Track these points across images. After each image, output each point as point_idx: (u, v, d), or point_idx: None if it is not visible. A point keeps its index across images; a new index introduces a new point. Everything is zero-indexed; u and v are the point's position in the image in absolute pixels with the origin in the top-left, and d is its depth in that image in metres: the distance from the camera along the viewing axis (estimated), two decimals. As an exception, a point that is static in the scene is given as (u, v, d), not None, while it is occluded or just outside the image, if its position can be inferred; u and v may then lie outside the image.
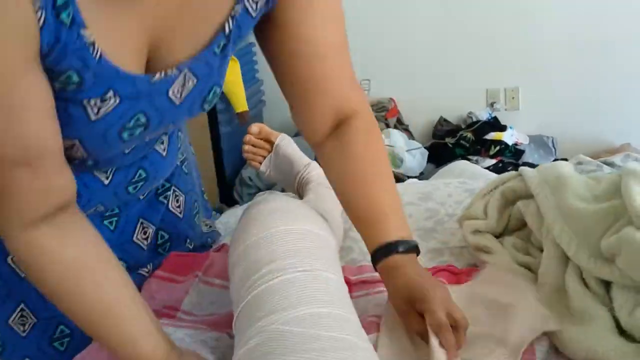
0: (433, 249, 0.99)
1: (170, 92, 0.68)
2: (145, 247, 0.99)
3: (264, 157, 1.14)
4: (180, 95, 0.70)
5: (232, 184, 2.66)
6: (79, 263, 0.64)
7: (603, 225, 0.73)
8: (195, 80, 0.70)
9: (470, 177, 1.34)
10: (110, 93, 0.62)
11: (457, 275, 0.91)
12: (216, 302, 0.93)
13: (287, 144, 1.13)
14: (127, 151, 0.78)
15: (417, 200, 1.15)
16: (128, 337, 0.66)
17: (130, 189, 0.87)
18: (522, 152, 2.75)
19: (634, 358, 0.59)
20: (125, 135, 0.68)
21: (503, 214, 0.92)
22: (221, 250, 1.04)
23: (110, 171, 0.83)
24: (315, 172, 1.12)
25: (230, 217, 1.26)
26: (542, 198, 0.83)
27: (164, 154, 0.92)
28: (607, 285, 0.72)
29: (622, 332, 0.65)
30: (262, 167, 1.14)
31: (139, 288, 0.96)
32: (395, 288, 0.73)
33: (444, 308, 0.67)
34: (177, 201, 1.03)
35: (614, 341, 0.62)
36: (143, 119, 0.68)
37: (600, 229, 0.73)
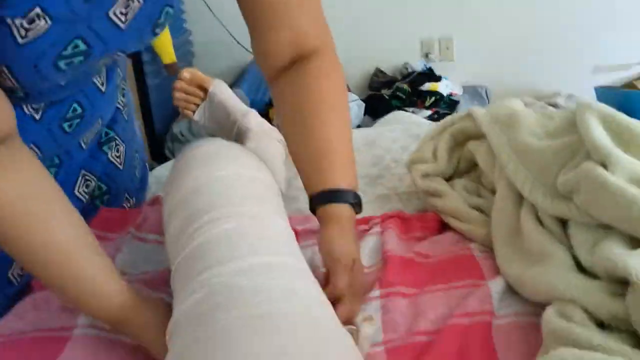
0: (381, 195, 0.95)
1: (111, 13, 0.60)
2: (85, 201, 0.91)
3: (198, 106, 1.05)
4: (126, 17, 0.62)
5: (162, 140, 2.53)
6: (23, 201, 0.57)
7: (559, 161, 0.70)
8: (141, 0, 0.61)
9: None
10: (38, 10, 0.54)
11: (407, 221, 0.88)
12: (152, 259, 0.85)
13: (222, 91, 1.05)
14: (63, 83, 0.69)
15: (362, 147, 1.10)
16: (86, 282, 0.61)
17: (66, 126, 0.78)
18: (456, 102, 2.76)
19: (597, 294, 0.57)
20: (62, 64, 0.60)
21: (452, 156, 0.89)
22: (155, 203, 0.96)
23: (42, 106, 0.74)
24: (254, 120, 1.04)
25: (164, 171, 1.17)
26: (494, 137, 0.79)
27: (103, 89, 0.83)
28: (563, 223, 0.70)
29: (581, 270, 0.63)
30: (196, 116, 1.06)
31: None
32: (321, 241, 0.69)
33: (344, 252, 0.66)
34: (118, 151, 0.94)
35: (575, 278, 0.60)
36: (82, 46, 0.60)
37: (556, 166, 0.70)
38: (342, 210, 0.71)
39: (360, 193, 0.74)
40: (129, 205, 1.00)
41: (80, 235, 0.62)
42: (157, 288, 0.78)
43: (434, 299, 0.72)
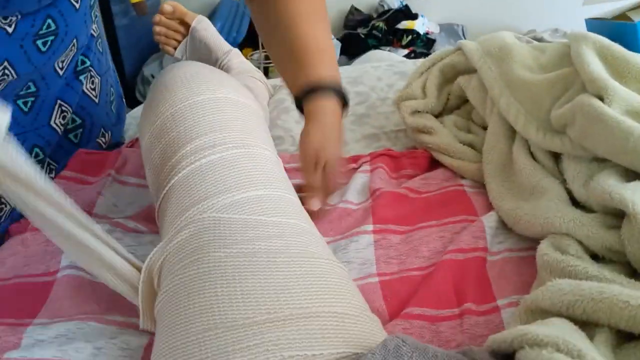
0: (368, 134, 0.93)
1: None
2: (60, 133, 0.87)
3: (179, 42, 1.00)
4: None
5: (133, 83, 2.45)
6: None
7: (552, 95, 0.69)
8: None
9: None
10: None
11: (396, 159, 0.87)
12: (135, 202, 0.83)
13: (205, 27, 0.99)
14: None
15: (345, 85, 1.07)
16: None
17: (40, 44, 0.74)
18: (433, 41, 2.72)
19: (591, 227, 0.57)
20: None
21: (442, 92, 0.87)
22: (135, 145, 0.93)
23: (14, 19, 0.69)
24: (237, 59, 1.00)
25: (140, 111, 1.12)
26: (485, 70, 0.77)
27: (77, 5, 0.78)
28: (556, 158, 0.69)
29: (574, 203, 0.63)
30: (177, 53, 1.01)
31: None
32: (300, 137, 0.69)
33: (316, 147, 0.65)
34: (93, 83, 0.90)
35: (571, 212, 0.60)
36: None
37: (549, 99, 0.69)
38: (325, 104, 0.69)
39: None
40: (104, 140, 0.96)
41: None
42: (145, 224, 0.76)
43: (428, 235, 0.71)
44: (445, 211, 0.75)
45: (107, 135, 0.97)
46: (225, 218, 0.51)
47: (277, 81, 1.20)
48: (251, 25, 2.50)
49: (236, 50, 1.01)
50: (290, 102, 1.06)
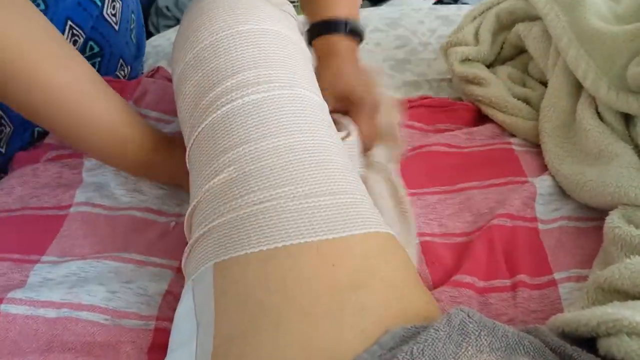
0: (409, 81, 0.85)
1: None
2: None
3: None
4: None
5: (146, 14, 2.34)
6: (19, 33, 0.51)
7: (631, 49, 0.61)
8: None
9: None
10: None
11: (435, 109, 0.79)
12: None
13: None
14: None
15: (384, 27, 0.99)
16: (100, 122, 0.56)
17: None
18: (463, -9, 2.59)
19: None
20: None
21: (496, 39, 0.79)
22: (156, 74, 0.85)
23: None
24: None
25: (163, 41, 1.04)
26: (552, 18, 0.69)
27: None
28: (627, 120, 0.62)
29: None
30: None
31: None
32: (328, 77, 0.64)
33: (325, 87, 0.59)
34: (114, 8, 0.81)
35: (647, 181, 0.53)
36: None
37: (625, 54, 0.61)
38: (342, 40, 0.66)
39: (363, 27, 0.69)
40: (122, 74, 0.89)
41: (91, 76, 0.57)
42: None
43: (470, 197, 0.65)
44: (490, 170, 0.68)
45: (126, 69, 0.89)
46: (268, 164, 0.45)
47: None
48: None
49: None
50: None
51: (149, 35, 2.36)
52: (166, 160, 0.62)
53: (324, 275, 0.39)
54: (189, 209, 0.48)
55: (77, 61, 0.56)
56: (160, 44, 1.01)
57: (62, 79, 0.54)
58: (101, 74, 0.82)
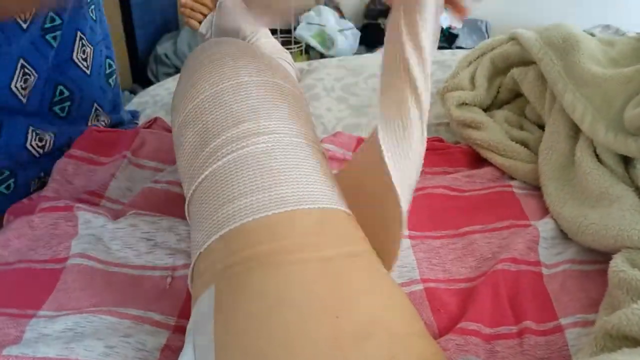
0: (406, 125, 0.86)
1: None
2: (24, 101, 0.77)
3: (204, 16, 0.93)
4: None
5: (145, 62, 2.38)
6: None
7: (627, 92, 0.62)
8: None
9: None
10: None
11: (435, 152, 0.79)
12: (152, 186, 0.76)
13: (233, 2, 0.92)
14: None
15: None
16: None
17: None
18: (455, 36, 2.64)
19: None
20: None
21: (492, 84, 0.80)
22: (154, 125, 0.85)
23: None
24: (265, 39, 0.93)
25: (162, 90, 1.05)
26: (547, 62, 0.70)
27: None
28: (626, 162, 0.62)
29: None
30: (202, 28, 0.93)
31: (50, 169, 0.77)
32: None
33: None
34: (84, 53, 0.82)
35: (650, 224, 0.53)
36: None
37: (622, 97, 0.62)
38: None
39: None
40: (104, 123, 0.88)
41: None
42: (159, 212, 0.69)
43: (472, 242, 0.65)
44: (492, 214, 0.68)
45: (105, 117, 0.89)
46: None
47: (304, 65, 1.13)
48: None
49: (266, 30, 0.94)
50: (320, 89, 1.00)
51: (149, 83, 2.40)
52: None
53: (328, 327, 0.39)
54: (191, 264, 0.47)
55: None
56: (158, 93, 1.02)
57: None
58: (74, 118, 0.81)
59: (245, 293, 0.41)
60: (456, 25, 2.67)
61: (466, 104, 0.78)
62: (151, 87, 1.09)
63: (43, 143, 0.78)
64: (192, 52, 0.60)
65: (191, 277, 0.48)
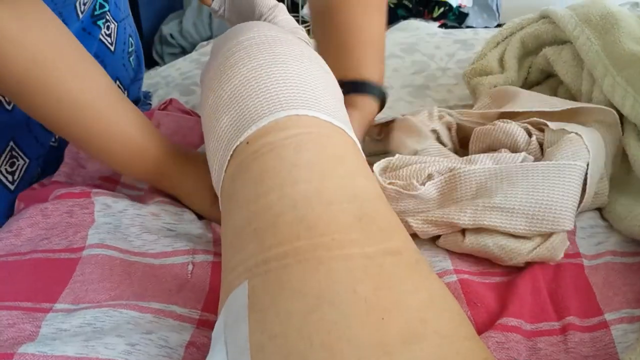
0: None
1: None
2: None
3: (218, -9, 0.89)
4: None
5: (150, 42, 2.33)
6: (46, 48, 0.53)
7: (672, 74, 0.58)
8: None
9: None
10: None
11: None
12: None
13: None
14: None
15: (399, 52, 0.97)
16: (118, 133, 0.60)
17: None
18: (465, 15, 2.58)
19: None
20: None
21: (522, 65, 0.76)
22: (168, 107, 0.82)
23: None
24: (282, 16, 0.89)
25: (173, 71, 1.02)
26: (584, 42, 0.66)
27: None
28: (671, 147, 0.59)
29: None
30: (215, 4, 0.89)
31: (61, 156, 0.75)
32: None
33: None
34: (108, 29, 0.79)
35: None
36: None
37: (667, 80, 0.59)
38: (366, 102, 0.65)
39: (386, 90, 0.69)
40: None
41: (111, 88, 0.60)
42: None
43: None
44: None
45: (124, 91, 0.86)
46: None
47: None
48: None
49: (282, 6, 0.90)
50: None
51: (154, 63, 2.36)
52: (172, 171, 0.64)
53: (374, 330, 0.36)
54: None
55: (102, 76, 0.59)
56: (170, 74, 0.98)
57: (89, 94, 0.57)
58: None
59: (283, 291, 0.38)
60: (466, 3, 2.61)
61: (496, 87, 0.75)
62: (161, 68, 1.05)
63: None
64: (223, 37, 0.57)
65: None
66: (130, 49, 0.87)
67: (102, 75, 0.59)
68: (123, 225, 0.62)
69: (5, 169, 0.72)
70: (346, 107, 0.62)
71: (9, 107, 0.71)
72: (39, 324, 0.52)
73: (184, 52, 2.24)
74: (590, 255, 0.57)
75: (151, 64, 2.27)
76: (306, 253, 0.39)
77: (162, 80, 0.98)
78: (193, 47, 2.21)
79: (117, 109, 0.60)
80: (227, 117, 0.48)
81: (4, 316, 0.52)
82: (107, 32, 0.80)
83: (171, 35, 2.25)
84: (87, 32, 0.76)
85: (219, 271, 0.56)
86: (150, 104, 0.93)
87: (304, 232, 0.40)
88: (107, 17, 0.79)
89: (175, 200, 0.67)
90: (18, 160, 0.75)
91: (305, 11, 2.35)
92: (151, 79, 1.04)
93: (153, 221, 0.63)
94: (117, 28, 0.82)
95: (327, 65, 0.57)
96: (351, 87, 0.64)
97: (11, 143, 0.76)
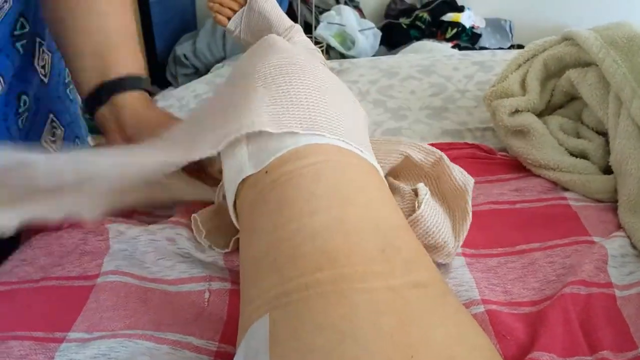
0: (449, 130, 0.81)
1: None
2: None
3: (234, 12, 0.88)
4: None
5: (164, 63, 2.34)
6: None
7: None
8: None
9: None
10: None
11: (474, 161, 0.74)
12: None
13: (264, -4, 0.87)
14: None
15: (416, 74, 0.95)
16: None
17: None
18: (478, 36, 2.58)
19: None
20: None
21: (545, 88, 0.74)
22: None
23: None
24: (299, 37, 0.88)
25: (187, 92, 1.01)
26: (610, 64, 0.65)
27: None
28: None
29: None
30: (231, 25, 0.89)
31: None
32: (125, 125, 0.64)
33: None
34: (43, 60, 0.77)
35: None
36: None
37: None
38: (136, 96, 0.66)
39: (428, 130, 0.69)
40: (54, 135, 0.82)
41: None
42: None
43: (533, 261, 0.60)
44: (549, 230, 0.63)
45: (59, 129, 0.81)
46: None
47: (335, 64, 1.08)
48: (289, 7, 2.39)
49: (298, 27, 0.90)
50: (355, 92, 0.95)
51: (167, 84, 2.37)
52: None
53: None
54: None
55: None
56: (184, 95, 0.98)
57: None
58: (27, 129, 0.75)
59: (305, 325, 0.37)
60: (479, 24, 2.61)
61: (519, 110, 0.73)
62: (176, 90, 1.05)
63: None
64: (242, 59, 0.56)
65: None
66: (67, 79, 0.83)
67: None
68: (138, 252, 0.61)
69: (49, 139, 0.71)
70: (117, 107, 0.64)
71: (46, 80, 0.70)
72: (52, 355, 0.50)
73: (198, 72, 2.25)
74: (622, 285, 0.55)
75: (165, 84, 2.28)
76: (328, 285, 0.38)
77: (176, 102, 0.97)
78: (206, 67, 2.22)
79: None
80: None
81: (15, 347, 0.50)
82: (42, 63, 0.76)
83: (185, 56, 2.26)
84: (4, 54, 0.69)
85: (237, 299, 0.55)
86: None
87: (325, 263, 0.39)
88: (43, 48, 0.75)
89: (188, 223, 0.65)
90: (57, 130, 0.75)
91: (318, 32, 2.35)
92: (166, 101, 1.03)
93: (168, 246, 0.62)
94: (52, 59, 0.78)
95: (346, 88, 0.56)
96: (120, 86, 0.64)
97: (51, 115, 0.76)
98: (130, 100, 0.65)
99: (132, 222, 0.64)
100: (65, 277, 0.58)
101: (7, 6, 0.64)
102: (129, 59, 0.66)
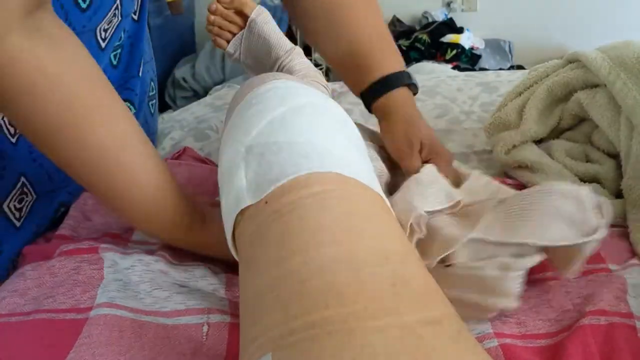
0: (455, 153, 0.79)
1: None
2: None
3: (234, 35, 0.87)
4: None
5: (163, 86, 2.33)
6: (81, 86, 0.48)
7: None
8: None
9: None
10: None
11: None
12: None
13: (265, 20, 0.86)
14: None
15: (420, 95, 0.93)
16: (137, 186, 0.55)
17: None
18: (478, 57, 2.58)
19: None
20: None
21: (551, 114, 0.72)
22: (182, 156, 0.79)
23: None
24: (299, 60, 0.87)
25: (187, 115, 0.99)
26: (620, 87, 0.63)
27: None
28: None
29: None
30: (230, 48, 0.87)
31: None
32: (389, 135, 0.67)
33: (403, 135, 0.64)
34: None
35: None
36: None
37: None
38: (399, 95, 0.67)
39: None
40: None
41: (139, 133, 0.55)
42: (194, 258, 0.62)
43: (547, 289, 0.57)
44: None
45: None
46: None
47: (336, 86, 1.07)
48: (289, 29, 2.39)
49: (299, 49, 0.88)
50: (357, 115, 0.93)
51: (166, 107, 2.36)
52: (197, 235, 0.61)
53: None
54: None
55: (124, 112, 0.53)
56: (184, 117, 0.96)
57: (113, 140, 0.51)
58: None
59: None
60: (478, 45, 2.61)
61: (515, 145, 0.71)
62: (175, 112, 1.03)
63: None
64: (243, 86, 0.55)
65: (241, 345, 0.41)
66: (151, 93, 0.84)
67: (128, 113, 0.54)
68: (133, 282, 0.58)
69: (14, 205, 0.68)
70: (384, 111, 0.67)
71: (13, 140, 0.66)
72: (41, 397, 0.47)
73: (197, 95, 2.24)
74: (642, 315, 0.52)
75: (164, 107, 2.27)
76: (336, 324, 0.35)
77: (176, 124, 0.95)
78: (205, 90, 2.21)
79: (140, 159, 0.55)
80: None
81: (4, 388, 0.47)
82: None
83: (184, 79, 2.26)
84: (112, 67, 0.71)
85: (237, 334, 0.52)
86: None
87: (333, 300, 0.36)
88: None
89: (182, 254, 0.63)
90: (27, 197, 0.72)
91: (317, 54, 2.35)
92: (165, 123, 1.01)
93: (163, 277, 0.59)
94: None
95: (345, 113, 0.54)
96: (379, 89, 0.67)
97: (22, 179, 0.71)
98: (389, 105, 0.68)
99: (127, 252, 0.62)
100: (56, 309, 0.56)
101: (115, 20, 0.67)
102: (389, 59, 0.69)
